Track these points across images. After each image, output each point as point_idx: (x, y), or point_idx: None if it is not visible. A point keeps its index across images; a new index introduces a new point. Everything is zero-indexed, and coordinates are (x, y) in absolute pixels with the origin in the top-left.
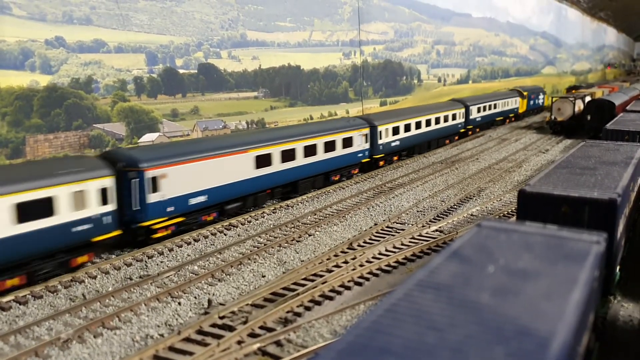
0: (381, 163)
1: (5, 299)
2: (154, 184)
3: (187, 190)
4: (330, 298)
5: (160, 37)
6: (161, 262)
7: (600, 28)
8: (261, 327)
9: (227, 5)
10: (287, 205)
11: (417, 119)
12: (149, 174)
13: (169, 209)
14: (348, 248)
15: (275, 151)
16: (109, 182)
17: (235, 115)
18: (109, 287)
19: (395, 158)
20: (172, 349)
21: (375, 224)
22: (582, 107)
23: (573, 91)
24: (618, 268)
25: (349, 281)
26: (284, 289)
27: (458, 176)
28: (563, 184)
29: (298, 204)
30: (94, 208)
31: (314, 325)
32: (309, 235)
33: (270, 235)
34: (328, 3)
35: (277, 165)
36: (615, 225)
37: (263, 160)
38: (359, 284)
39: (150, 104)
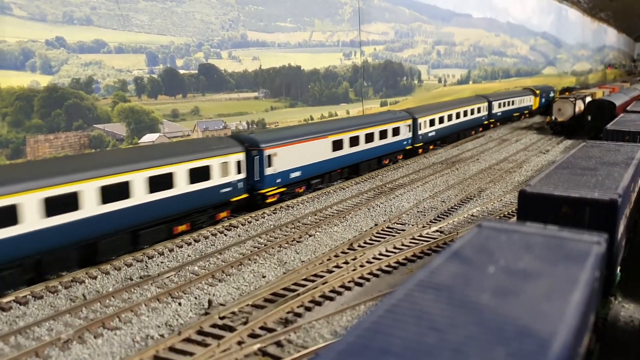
0: (420, 151)
1: (5, 300)
2: (269, 160)
3: (289, 166)
4: (331, 298)
5: (161, 38)
6: (161, 262)
7: (600, 28)
8: (261, 328)
9: (227, 6)
10: (287, 206)
11: (449, 112)
12: (266, 152)
13: (277, 180)
14: (348, 248)
15: (345, 137)
16: (242, 156)
17: (236, 115)
18: (110, 288)
19: (431, 147)
20: (172, 349)
21: (376, 225)
22: (582, 107)
23: (566, 93)
24: (619, 269)
25: (349, 282)
26: (284, 289)
27: (458, 177)
28: (564, 184)
29: (298, 204)
30: (233, 176)
31: (315, 326)
32: (310, 236)
33: (270, 236)
34: (328, 3)
35: (346, 149)
36: (615, 226)
37: (337, 145)
38: (360, 285)
39: (151, 105)
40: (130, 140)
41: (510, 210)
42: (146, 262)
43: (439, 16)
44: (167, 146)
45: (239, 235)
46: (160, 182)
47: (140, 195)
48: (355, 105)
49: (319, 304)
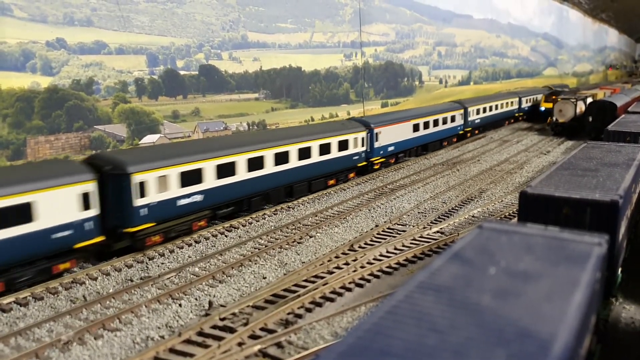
0: (469, 135)
1: (6, 301)
2: (376, 136)
3: (387, 142)
4: (331, 300)
5: (161, 39)
6: (162, 263)
7: (601, 29)
8: (262, 329)
9: (228, 7)
10: (288, 207)
11: (490, 104)
12: (375, 130)
13: (380, 152)
14: (349, 249)
15: (421, 122)
16: (365, 134)
17: (236, 116)
18: (110, 289)
19: (477, 132)
20: (172, 350)
21: (377, 226)
22: (583, 108)
23: (553, 97)
24: (620, 270)
25: (349, 283)
26: (284, 290)
27: (459, 177)
28: (564, 185)
29: (299, 205)
30: (359, 148)
31: (315, 327)
32: (310, 237)
33: (271, 237)
34: (329, 4)
35: (421, 131)
36: (616, 227)
37: (416, 127)
38: (360, 286)
39: (151, 106)
40: (130, 141)
41: (511, 211)
42: (146, 263)
43: (440, 17)
44: (325, 125)
45: (239, 236)
46: (325, 148)
47: (315, 156)
48: (356, 106)
49: (319, 305)
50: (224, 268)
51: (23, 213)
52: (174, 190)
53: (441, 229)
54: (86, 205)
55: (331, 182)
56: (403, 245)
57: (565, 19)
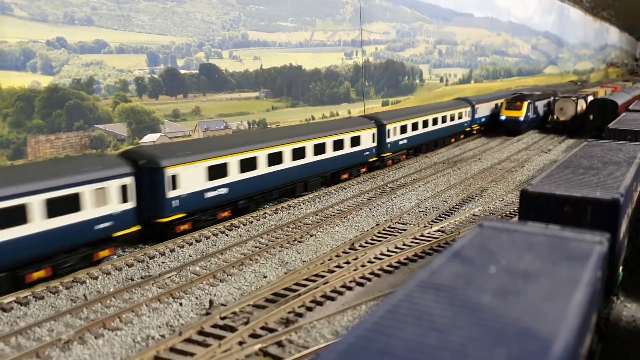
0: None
1: (6, 300)
2: (476, 111)
3: (481, 115)
4: (332, 298)
5: (162, 38)
6: (163, 262)
7: (602, 28)
8: (262, 328)
9: (228, 6)
10: (289, 206)
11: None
12: (475, 106)
13: (477, 122)
14: (350, 248)
15: (499, 102)
16: (470, 109)
17: (237, 115)
18: (110, 288)
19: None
20: (173, 349)
21: (377, 224)
22: (584, 106)
23: (517, 103)
24: (621, 268)
25: (350, 281)
26: (285, 289)
27: (460, 176)
28: (565, 183)
29: (300, 205)
30: (467, 118)
31: (316, 326)
32: (311, 236)
33: (271, 236)
34: (330, 3)
35: (492, 111)
36: (617, 226)
37: (495, 107)
38: (361, 285)
39: (152, 105)
40: (131, 140)
41: (512, 210)
42: (147, 262)
43: (441, 15)
44: (449, 102)
45: (240, 235)
46: (452, 117)
47: (448, 121)
48: (356, 105)
49: (320, 303)
50: (225, 267)
51: (357, 141)
52: (397, 135)
53: (442, 227)
54: (374, 140)
55: (452, 140)
56: (404, 244)
57: (566, 17)
